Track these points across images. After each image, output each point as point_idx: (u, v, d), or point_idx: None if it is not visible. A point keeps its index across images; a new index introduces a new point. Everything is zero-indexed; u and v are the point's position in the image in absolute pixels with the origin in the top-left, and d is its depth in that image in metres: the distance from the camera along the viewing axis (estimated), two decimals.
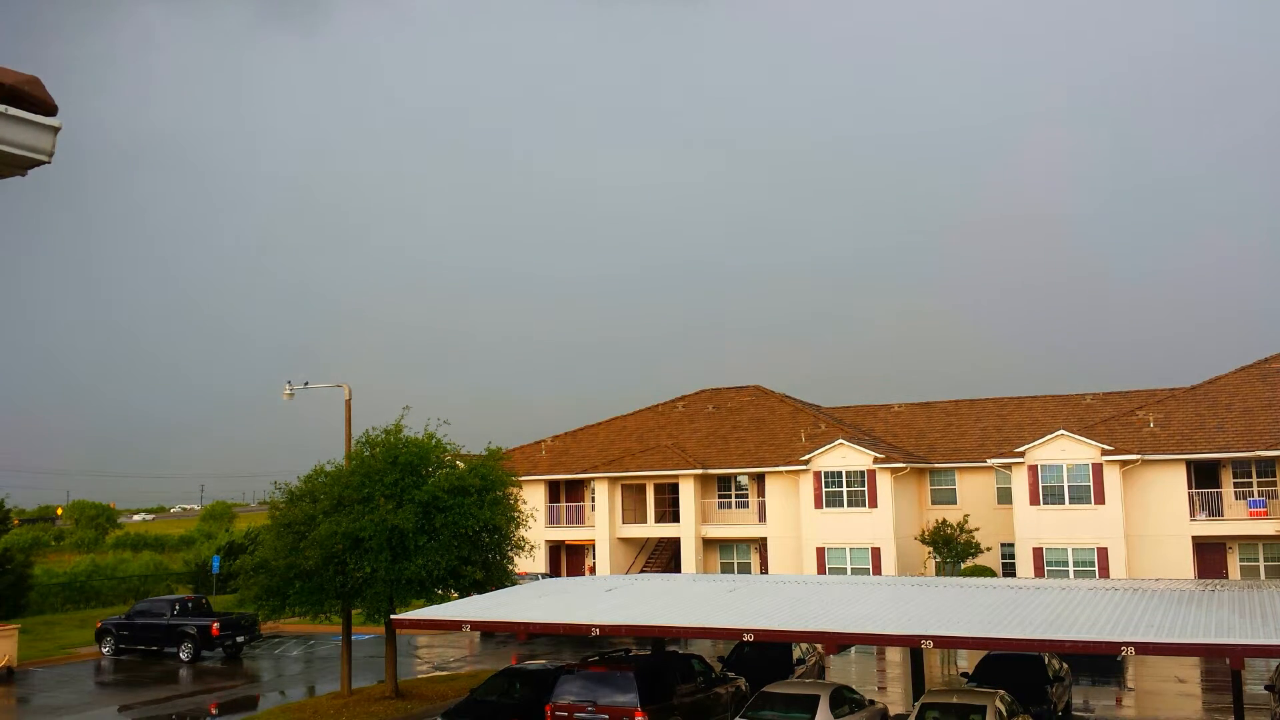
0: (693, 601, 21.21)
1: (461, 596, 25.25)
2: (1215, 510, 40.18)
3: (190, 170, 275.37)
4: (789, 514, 46.98)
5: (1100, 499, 40.01)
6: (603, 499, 50.01)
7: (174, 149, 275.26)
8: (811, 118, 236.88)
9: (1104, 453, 39.94)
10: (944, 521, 42.60)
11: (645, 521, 50.51)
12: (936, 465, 48.58)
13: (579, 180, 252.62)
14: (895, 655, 32.90)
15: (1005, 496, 45.27)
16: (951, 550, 41.57)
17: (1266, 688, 23.81)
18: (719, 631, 18.29)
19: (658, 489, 50.83)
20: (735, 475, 49.91)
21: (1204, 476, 40.85)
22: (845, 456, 45.00)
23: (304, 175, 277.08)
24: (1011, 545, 43.28)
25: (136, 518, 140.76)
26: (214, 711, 27.70)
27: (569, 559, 53.53)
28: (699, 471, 48.44)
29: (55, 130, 5.04)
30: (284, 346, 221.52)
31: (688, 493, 48.77)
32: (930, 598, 19.64)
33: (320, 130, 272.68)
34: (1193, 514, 40.04)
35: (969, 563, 42.26)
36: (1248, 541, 40.23)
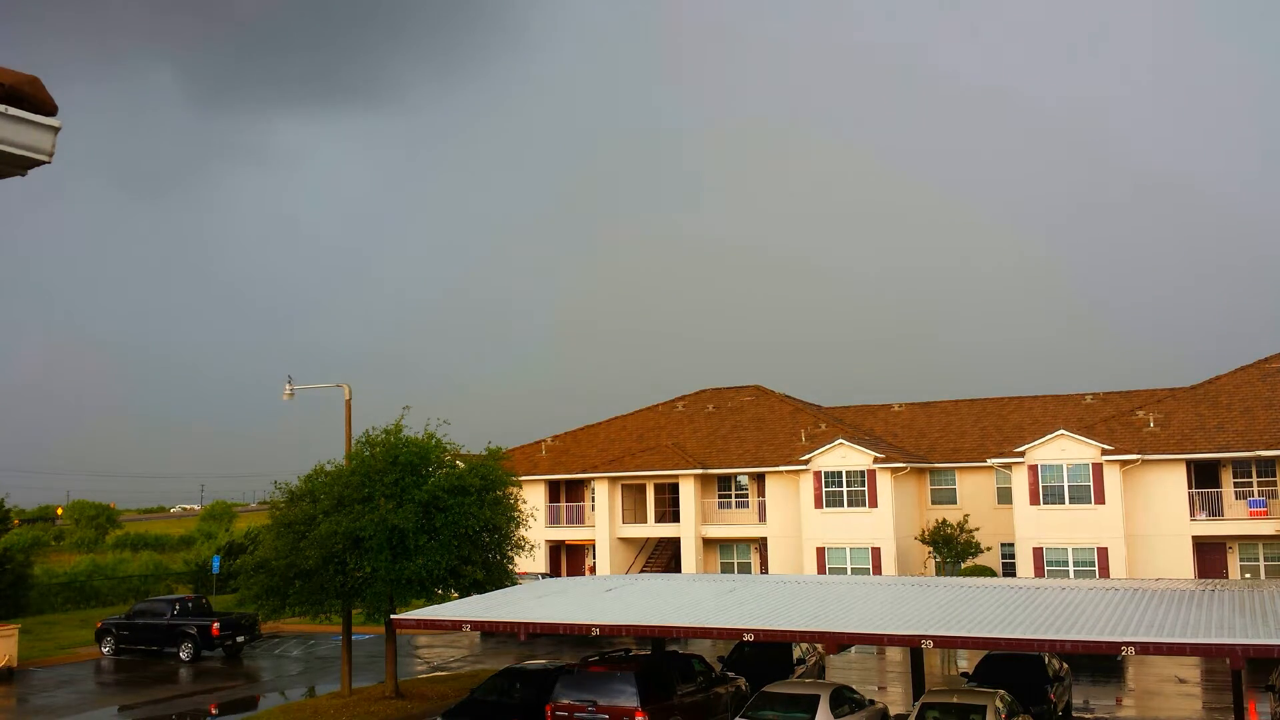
0: (693, 601, 21.21)
1: (461, 596, 25.26)
2: (1215, 510, 40.17)
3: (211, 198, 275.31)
4: (789, 514, 46.98)
5: (1100, 499, 40.00)
6: (603, 499, 50.00)
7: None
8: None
9: (1104, 452, 39.93)
10: (944, 521, 42.64)
11: (645, 521, 50.51)
12: (936, 465, 48.58)
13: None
14: (895, 655, 32.91)
15: (1005, 496, 45.26)
16: (951, 550, 41.61)
17: (1267, 688, 23.81)
18: (719, 631, 18.29)
19: (658, 489, 50.82)
20: (735, 475, 49.90)
21: (1204, 476, 40.84)
22: (845, 456, 45.00)
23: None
24: (1011, 545, 43.27)
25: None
26: (214, 711, 27.71)
27: (569, 559, 53.54)
28: (699, 471, 48.44)
29: (55, 130, 5.04)
30: (286, 345, 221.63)
31: (688, 493, 48.76)
32: (930, 598, 19.64)
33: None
34: (1193, 514, 40.03)
35: (969, 563, 42.29)
36: (1248, 541, 40.22)
